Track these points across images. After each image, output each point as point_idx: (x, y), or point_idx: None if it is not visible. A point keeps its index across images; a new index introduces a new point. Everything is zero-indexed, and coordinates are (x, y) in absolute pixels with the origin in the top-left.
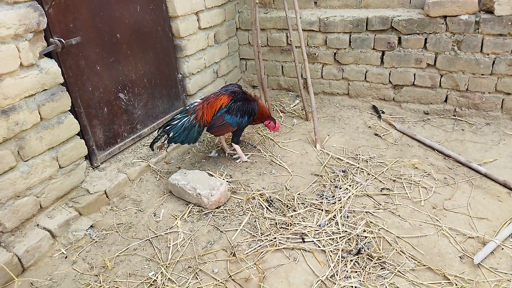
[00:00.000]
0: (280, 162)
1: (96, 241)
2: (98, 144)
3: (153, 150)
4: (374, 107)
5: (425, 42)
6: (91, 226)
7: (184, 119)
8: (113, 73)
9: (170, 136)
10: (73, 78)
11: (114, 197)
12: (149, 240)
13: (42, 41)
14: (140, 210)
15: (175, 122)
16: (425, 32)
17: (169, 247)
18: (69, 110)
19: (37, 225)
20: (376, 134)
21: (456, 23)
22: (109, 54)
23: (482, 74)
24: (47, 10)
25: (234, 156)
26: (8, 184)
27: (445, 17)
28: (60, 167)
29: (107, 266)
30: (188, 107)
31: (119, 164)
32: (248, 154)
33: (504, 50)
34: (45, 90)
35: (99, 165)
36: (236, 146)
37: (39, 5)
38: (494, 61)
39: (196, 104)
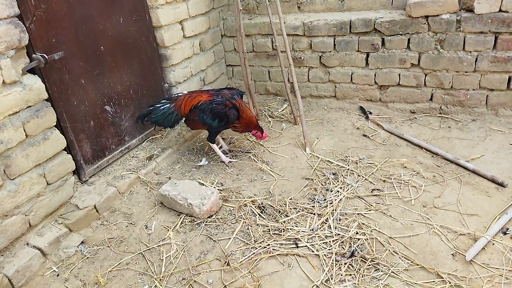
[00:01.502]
0: (270, 168)
1: (87, 257)
2: (86, 158)
3: (137, 123)
4: (361, 108)
5: (408, 42)
6: (82, 242)
7: (166, 105)
8: (98, 86)
9: (150, 115)
10: (58, 93)
11: (104, 211)
12: (142, 254)
13: (25, 57)
14: (131, 223)
15: (158, 105)
16: (408, 33)
17: (162, 259)
18: (54, 126)
19: (27, 244)
20: (364, 135)
21: (438, 22)
22: (93, 67)
23: (466, 72)
24: (28, 26)
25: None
26: None
27: (427, 17)
28: (48, 184)
29: (100, 282)
30: (173, 95)
31: (108, 177)
32: (235, 160)
33: (486, 47)
34: (30, 106)
35: (87, 180)
36: (212, 145)
37: (20, 22)
38: (476, 59)
39: (180, 94)
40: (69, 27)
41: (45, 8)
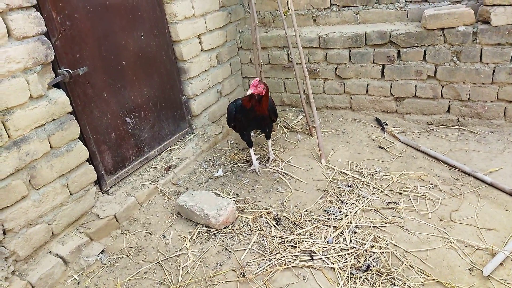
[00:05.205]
0: (286, 179)
1: (107, 266)
2: (107, 169)
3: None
4: (377, 120)
5: (425, 54)
6: (102, 251)
7: None
8: (119, 99)
9: None
10: (81, 106)
11: (123, 220)
12: (159, 263)
13: (50, 72)
14: (149, 232)
15: None
16: (424, 45)
17: (179, 269)
18: (78, 138)
19: (50, 252)
20: (380, 147)
21: (454, 34)
22: (115, 81)
23: (483, 84)
24: (54, 42)
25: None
26: (20, 213)
27: (442, 29)
28: (70, 194)
29: None
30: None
31: (127, 188)
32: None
33: (503, 59)
34: (55, 119)
35: (108, 189)
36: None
37: (46, 39)
38: (494, 70)
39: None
40: (92, 43)
41: (70, 25)
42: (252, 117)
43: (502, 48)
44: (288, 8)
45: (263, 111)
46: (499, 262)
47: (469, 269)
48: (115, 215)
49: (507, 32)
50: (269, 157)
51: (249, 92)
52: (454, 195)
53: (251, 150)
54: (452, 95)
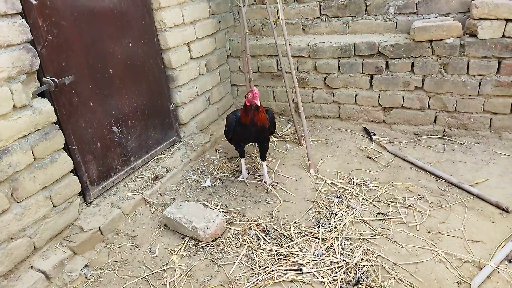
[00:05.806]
0: (275, 189)
1: (91, 281)
2: (92, 180)
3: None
4: (365, 129)
5: (412, 66)
6: (86, 265)
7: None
8: (106, 108)
9: None
10: (66, 116)
11: (108, 233)
12: (146, 278)
13: (35, 81)
14: (135, 246)
15: None
16: (412, 56)
17: (166, 284)
18: (62, 148)
19: (31, 267)
20: (368, 157)
21: (441, 46)
22: (102, 89)
23: (470, 95)
24: (40, 50)
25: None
26: (1, 227)
27: (430, 41)
28: (53, 206)
29: None
30: None
31: (113, 198)
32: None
33: (490, 72)
34: (39, 130)
35: (92, 201)
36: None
37: (31, 47)
38: (480, 83)
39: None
40: (79, 51)
41: (56, 33)
42: (253, 130)
43: (489, 61)
44: (278, 17)
45: (263, 120)
46: (486, 275)
47: (457, 282)
48: (99, 227)
49: (493, 45)
50: (264, 181)
51: (258, 102)
52: (441, 206)
53: (242, 161)
54: (439, 106)
